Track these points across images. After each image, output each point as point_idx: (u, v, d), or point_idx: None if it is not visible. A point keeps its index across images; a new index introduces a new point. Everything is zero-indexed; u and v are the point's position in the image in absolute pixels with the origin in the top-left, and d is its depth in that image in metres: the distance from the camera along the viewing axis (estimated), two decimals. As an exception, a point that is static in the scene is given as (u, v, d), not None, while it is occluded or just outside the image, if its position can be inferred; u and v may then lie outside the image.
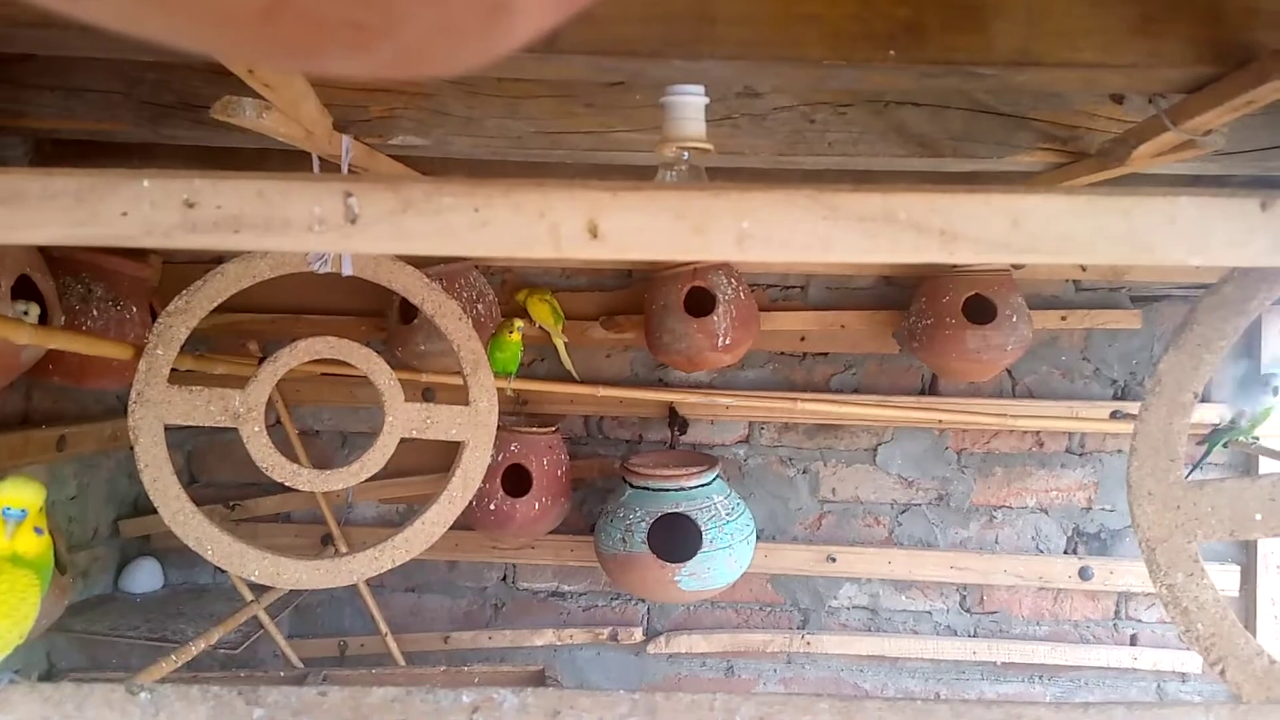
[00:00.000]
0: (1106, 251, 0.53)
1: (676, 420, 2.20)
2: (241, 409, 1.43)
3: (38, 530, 1.07)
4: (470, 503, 1.57)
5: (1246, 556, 2.15)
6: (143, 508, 2.24)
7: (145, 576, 2.22)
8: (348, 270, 1.44)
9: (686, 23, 0.88)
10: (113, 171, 0.50)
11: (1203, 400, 2.13)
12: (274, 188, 0.50)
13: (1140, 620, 2.23)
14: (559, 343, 2.13)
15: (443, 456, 2.17)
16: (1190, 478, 1.11)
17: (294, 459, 1.84)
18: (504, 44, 0.22)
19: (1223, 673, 1.05)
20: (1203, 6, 0.89)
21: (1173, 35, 0.90)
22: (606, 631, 2.28)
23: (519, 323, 1.97)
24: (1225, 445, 1.89)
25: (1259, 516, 1.04)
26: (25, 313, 1.42)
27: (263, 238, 0.51)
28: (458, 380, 1.59)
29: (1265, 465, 2.04)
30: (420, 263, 1.57)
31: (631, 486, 1.95)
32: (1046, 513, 2.23)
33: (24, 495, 1.05)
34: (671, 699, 0.53)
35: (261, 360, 1.49)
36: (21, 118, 1.32)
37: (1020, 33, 0.90)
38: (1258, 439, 1.90)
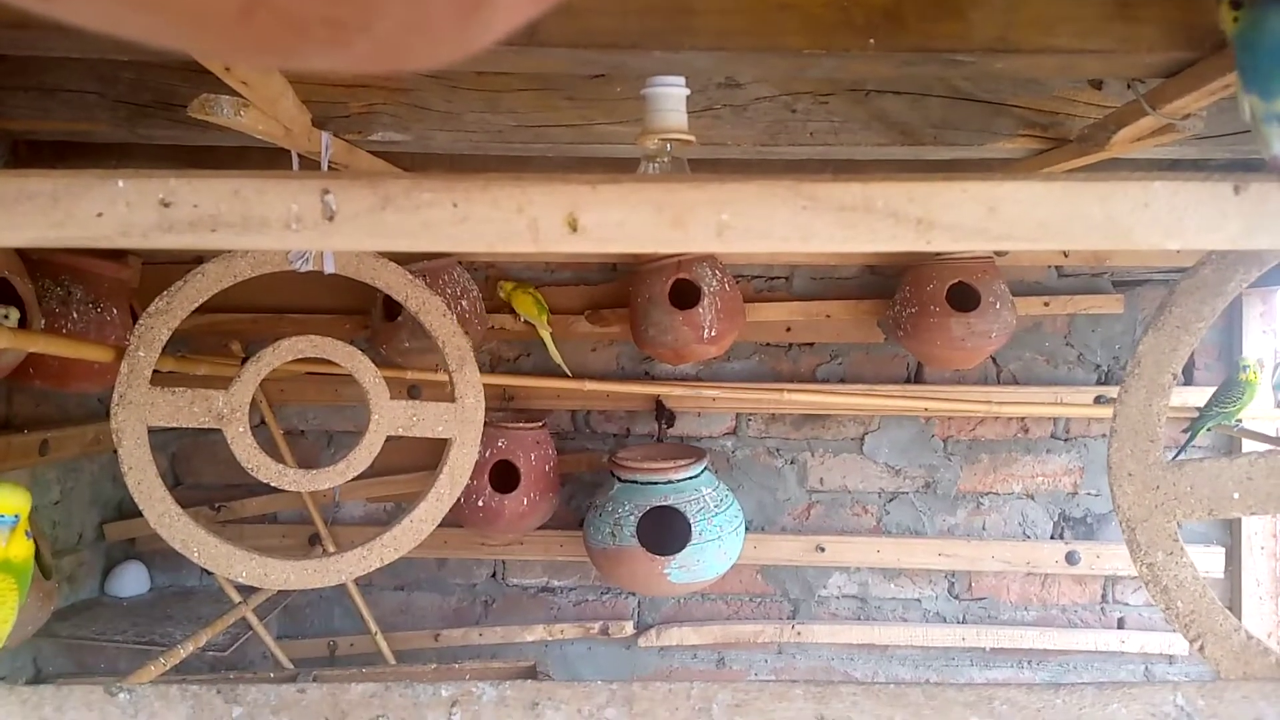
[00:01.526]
0: (1083, 237, 0.53)
1: (663, 413, 2.20)
2: (225, 409, 1.42)
3: (28, 534, 1.08)
4: (458, 499, 1.57)
5: (1231, 538, 2.18)
6: (127, 511, 2.22)
7: (131, 580, 2.21)
8: (329, 268, 1.43)
9: (666, 14, 0.88)
10: (88, 172, 0.50)
11: (1187, 383, 2.15)
12: (250, 186, 0.50)
13: (1127, 604, 2.25)
14: (545, 335, 2.13)
15: (430, 454, 2.17)
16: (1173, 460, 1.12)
17: (279, 459, 1.83)
18: (481, 38, 0.22)
19: (1202, 649, 1.06)
20: (1179, -9, 0.89)
21: (1149, 20, 0.90)
22: (597, 626, 2.29)
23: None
24: (1210, 429, 1.90)
25: (1236, 495, 1.05)
26: (5, 316, 1.40)
27: (240, 237, 0.51)
28: (443, 377, 1.59)
29: (1248, 447, 2.06)
30: (403, 259, 1.56)
31: (620, 480, 1.95)
32: (1033, 498, 2.25)
33: (14, 501, 1.06)
34: (649, 688, 0.53)
35: (244, 360, 1.49)
36: (-4, 119, 1.31)
37: (998, 19, 0.90)
38: (1240, 422, 1.91)
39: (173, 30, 0.20)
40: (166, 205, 0.49)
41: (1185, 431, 1.90)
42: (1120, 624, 2.25)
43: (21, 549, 1.07)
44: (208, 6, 0.19)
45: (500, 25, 0.21)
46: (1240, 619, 2.08)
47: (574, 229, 0.51)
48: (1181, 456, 1.91)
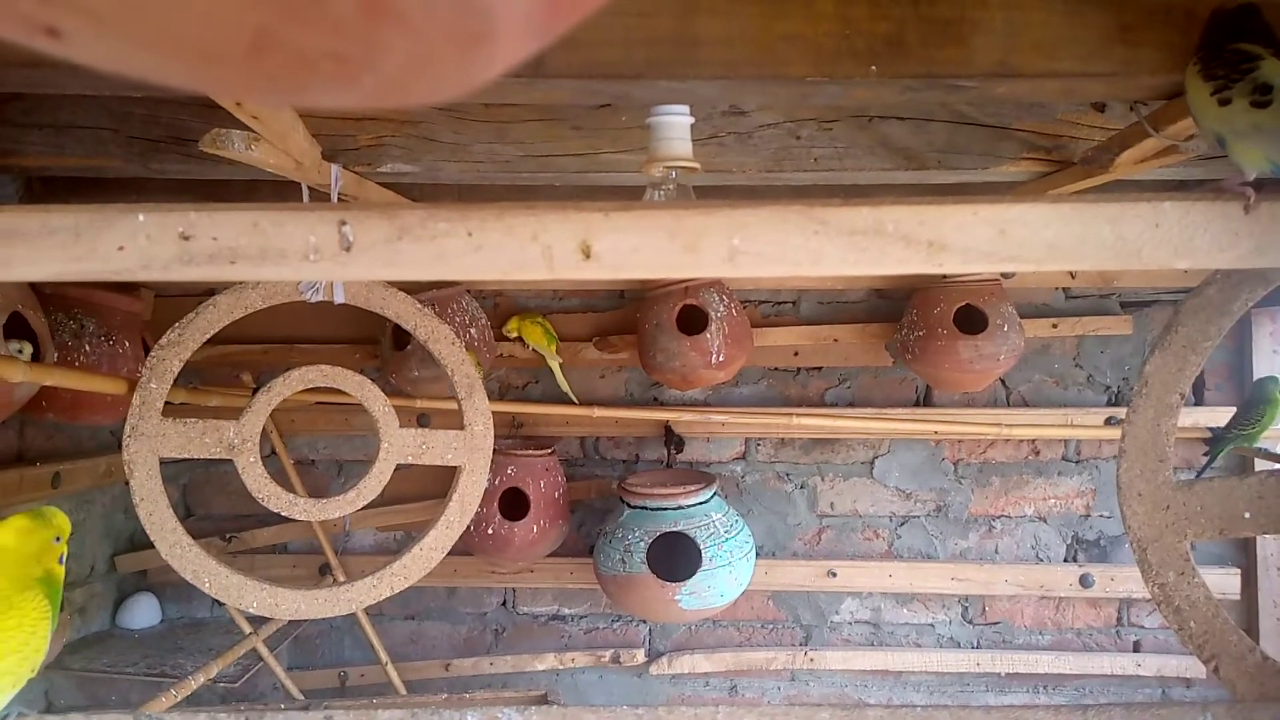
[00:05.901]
0: (1094, 257, 0.53)
1: (672, 439, 2.20)
2: (236, 440, 1.42)
3: (61, 559, 1.09)
4: (468, 527, 1.56)
5: (1247, 559, 2.15)
6: (139, 543, 2.23)
7: (143, 612, 2.20)
8: (339, 298, 1.44)
9: (670, 44, 0.89)
10: (109, 207, 0.51)
11: (1197, 403, 2.14)
12: (269, 218, 0.51)
13: (1143, 626, 2.23)
14: (554, 365, 2.13)
15: (439, 482, 2.17)
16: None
17: (289, 489, 1.83)
18: (485, 72, 0.22)
19: (1216, 670, 1.05)
20: (1179, 14, 0.90)
21: (1150, 43, 0.91)
22: (608, 654, 2.27)
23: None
24: (1229, 450, 1.88)
25: (1248, 515, 1.05)
26: (19, 350, 1.41)
27: (259, 268, 0.51)
28: (452, 405, 1.59)
29: (1260, 467, 2.04)
30: (412, 288, 1.57)
31: (629, 506, 1.95)
32: (1045, 521, 2.23)
33: (60, 521, 1.08)
34: (674, 712, 0.53)
35: (255, 391, 1.49)
36: (11, 156, 1.33)
37: (999, 45, 0.91)
38: (1263, 447, 1.88)
39: (183, 69, 0.21)
40: (186, 238, 0.49)
41: (1205, 455, 1.88)
42: (1136, 647, 2.23)
43: (59, 570, 1.08)
44: (217, 46, 0.19)
45: (503, 60, 0.22)
46: (1258, 641, 2.05)
47: (588, 256, 0.52)
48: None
